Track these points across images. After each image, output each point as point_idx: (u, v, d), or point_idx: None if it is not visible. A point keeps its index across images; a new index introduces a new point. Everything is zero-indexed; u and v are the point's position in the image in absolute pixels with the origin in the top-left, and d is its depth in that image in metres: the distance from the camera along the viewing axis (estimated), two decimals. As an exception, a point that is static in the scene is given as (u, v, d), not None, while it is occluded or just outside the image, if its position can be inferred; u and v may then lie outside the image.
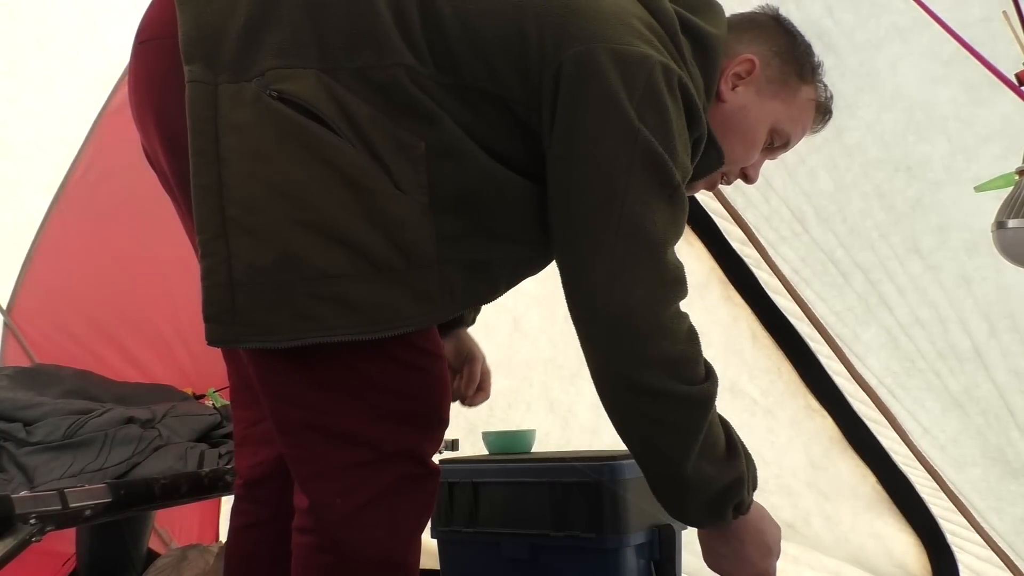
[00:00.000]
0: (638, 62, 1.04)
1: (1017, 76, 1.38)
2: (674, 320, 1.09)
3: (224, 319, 0.99)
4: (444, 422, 1.17)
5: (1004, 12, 1.40)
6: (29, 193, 2.79)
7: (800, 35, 1.28)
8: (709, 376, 1.11)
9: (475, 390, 1.48)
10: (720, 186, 1.36)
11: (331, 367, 1.06)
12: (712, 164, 1.22)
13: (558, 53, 1.05)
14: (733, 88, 1.23)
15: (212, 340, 1.00)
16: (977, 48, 1.47)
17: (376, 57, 1.02)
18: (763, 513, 1.21)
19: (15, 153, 2.69)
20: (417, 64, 1.03)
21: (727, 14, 1.26)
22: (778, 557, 1.23)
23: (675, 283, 1.09)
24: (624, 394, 1.08)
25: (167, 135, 1.08)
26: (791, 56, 1.25)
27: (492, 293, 1.17)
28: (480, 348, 1.48)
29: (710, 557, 1.24)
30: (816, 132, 1.34)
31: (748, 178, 1.31)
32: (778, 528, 1.23)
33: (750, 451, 1.17)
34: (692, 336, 1.11)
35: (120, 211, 2.69)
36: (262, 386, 1.12)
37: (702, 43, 1.16)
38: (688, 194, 1.32)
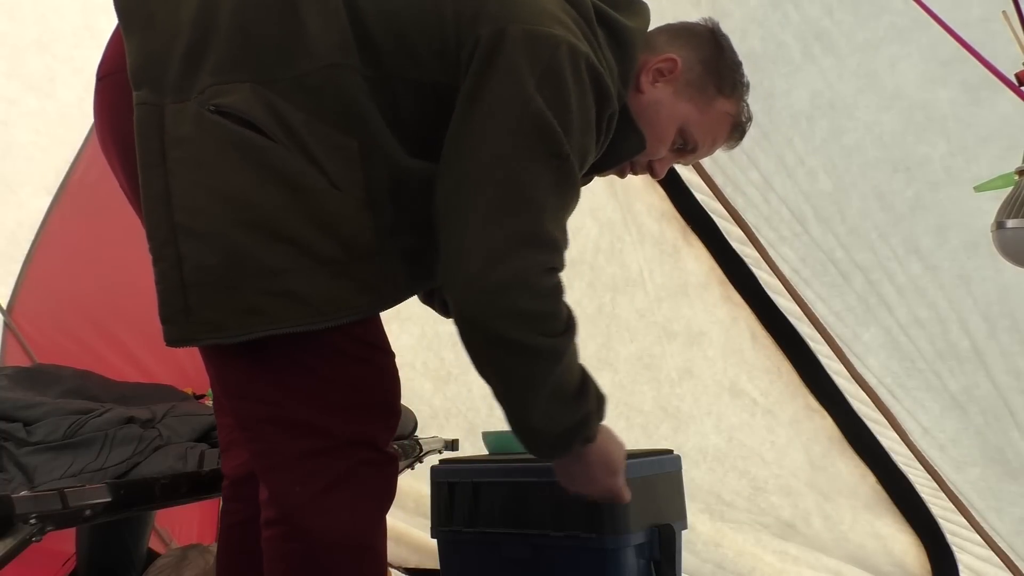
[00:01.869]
0: (544, 40, 1.10)
1: (1017, 76, 1.39)
2: (538, 276, 1.10)
3: (179, 319, 1.05)
4: (395, 413, 1.22)
5: (1004, 12, 1.40)
6: (29, 193, 2.79)
7: (731, 51, 1.34)
8: (567, 329, 1.15)
9: None
10: (720, 181, 1.38)
11: (281, 362, 1.11)
12: (633, 148, 1.28)
13: (475, 29, 1.10)
14: (653, 83, 1.28)
15: (169, 340, 1.07)
16: (977, 48, 1.47)
17: (309, 63, 1.08)
18: (608, 435, 1.27)
19: (15, 153, 2.69)
20: (345, 60, 1.09)
21: (707, 16, 1.34)
22: (623, 472, 1.31)
23: (546, 246, 1.12)
24: (478, 339, 1.12)
25: (124, 158, 1.14)
26: (714, 67, 1.31)
27: (431, 279, 1.20)
28: None
29: (563, 478, 1.31)
30: (730, 148, 1.39)
31: (654, 172, 1.36)
32: (622, 446, 1.31)
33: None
34: (555, 293, 1.13)
35: (120, 211, 2.66)
36: (220, 385, 1.20)
37: (617, 34, 1.22)
38: (601, 176, 1.38)
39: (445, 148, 1.12)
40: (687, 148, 1.33)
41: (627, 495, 1.32)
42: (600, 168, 1.30)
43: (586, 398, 1.19)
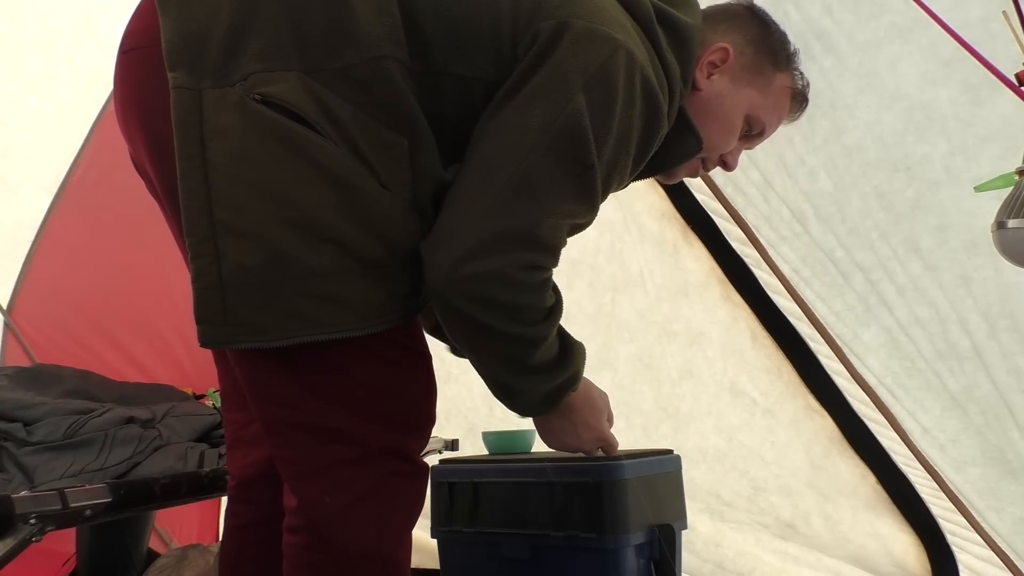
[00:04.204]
0: (603, 40, 1.05)
1: (1017, 76, 1.38)
2: (518, 271, 1.06)
3: (216, 320, 1.00)
4: (431, 419, 1.18)
5: (1004, 12, 1.40)
6: (29, 193, 2.79)
7: (774, 24, 1.29)
8: (548, 317, 1.11)
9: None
10: (720, 181, 1.37)
11: (316, 366, 1.07)
12: (691, 150, 1.23)
13: (533, 23, 1.07)
14: (708, 76, 1.24)
15: (204, 342, 1.02)
16: (977, 48, 1.47)
17: (356, 55, 1.03)
18: (589, 384, 1.25)
19: (15, 153, 2.69)
20: (394, 53, 1.04)
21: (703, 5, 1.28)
22: (610, 418, 1.28)
23: (536, 247, 1.07)
24: (449, 315, 1.08)
25: (153, 142, 1.09)
26: (765, 44, 1.26)
27: None
28: None
29: (549, 437, 1.28)
30: (794, 120, 1.35)
31: (727, 165, 1.32)
32: (604, 394, 1.28)
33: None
34: (535, 286, 1.09)
35: (120, 211, 2.68)
36: (249, 387, 1.13)
37: (678, 33, 1.18)
38: (670, 181, 1.36)
39: (476, 128, 1.08)
40: (755, 133, 1.29)
41: (616, 442, 1.28)
42: (653, 171, 1.26)
43: (569, 361, 1.16)
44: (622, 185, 1.16)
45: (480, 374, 1.16)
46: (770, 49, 1.27)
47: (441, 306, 1.08)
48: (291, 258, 1.00)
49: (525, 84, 1.05)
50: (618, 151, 1.09)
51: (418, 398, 1.16)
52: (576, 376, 1.18)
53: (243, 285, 1.00)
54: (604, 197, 1.12)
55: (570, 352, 1.17)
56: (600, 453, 1.31)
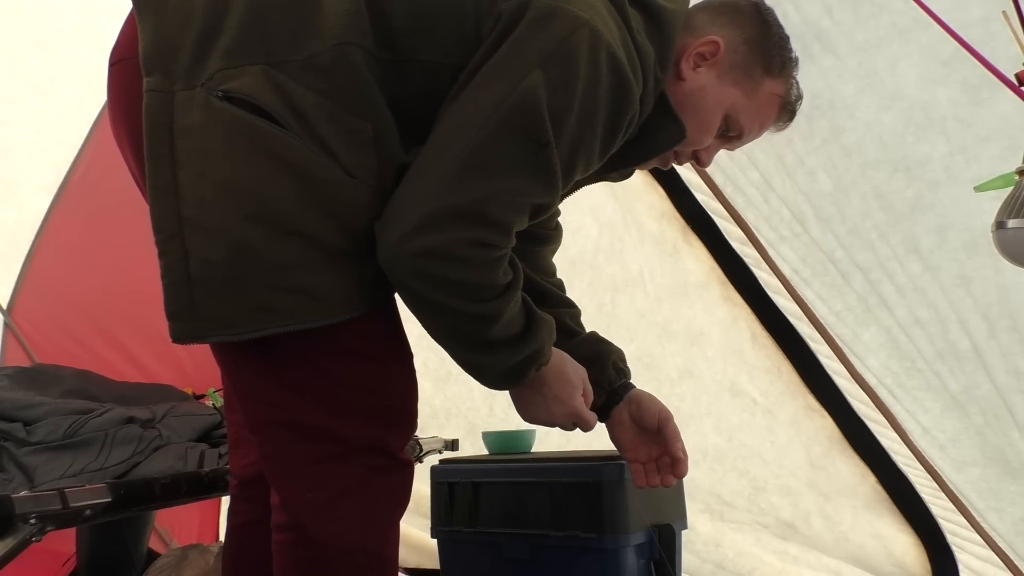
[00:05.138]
0: (565, 18, 1.04)
1: (1017, 76, 1.38)
2: (464, 248, 1.04)
3: (185, 315, 1.02)
4: (412, 415, 1.18)
5: (1004, 12, 1.40)
6: (29, 193, 2.79)
7: (777, 26, 1.25)
8: (503, 294, 1.09)
9: (681, 451, 1.32)
10: (719, 181, 1.35)
11: (294, 364, 1.08)
12: (672, 138, 1.20)
13: (496, 5, 1.07)
14: (695, 68, 1.21)
15: (176, 337, 1.03)
16: (977, 48, 1.47)
17: (320, 44, 1.04)
18: (562, 358, 1.22)
19: (15, 153, 2.70)
20: (360, 40, 1.05)
21: None
22: (587, 393, 1.24)
23: (486, 225, 1.04)
24: (399, 287, 1.08)
25: (136, 147, 1.10)
26: (761, 46, 1.22)
27: None
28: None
29: (523, 409, 1.24)
30: (779, 130, 1.31)
31: (700, 161, 1.29)
32: (580, 368, 1.24)
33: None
34: (484, 263, 1.06)
35: (120, 211, 2.68)
36: (232, 386, 1.16)
37: (654, 17, 1.16)
38: (642, 168, 1.31)
39: (441, 111, 1.08)
40: (732, 135, 1.25)
41: (591, 418, 1.24)
42: (635, 160, 1.24)
43: (532, 336, 1.14)
44: (591, 168, 1.13)
45: (443, 347, 1.14)
46: (765, 52, 1.22)
47: (394, 283, 1.08)
48: (256, 251, 1.01)
49: (486, 62, 1.05)
50: (582, 130, 1.06)
51: (398, 394, 1.16)
52: (539, 351, 1.15)
53: (210, 280, 1.01)
54: (568, 178, 1.10)
55: (534, 327, 1.14)
56: (576, 430, 1.26)
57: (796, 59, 1.26)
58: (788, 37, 1.26)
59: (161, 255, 1.02)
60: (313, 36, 1.04)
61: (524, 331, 1.13)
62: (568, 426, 1.25)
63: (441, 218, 1.02)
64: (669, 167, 1.34)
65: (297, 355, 1.07)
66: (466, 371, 1.16)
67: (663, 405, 1.33)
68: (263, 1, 1.06)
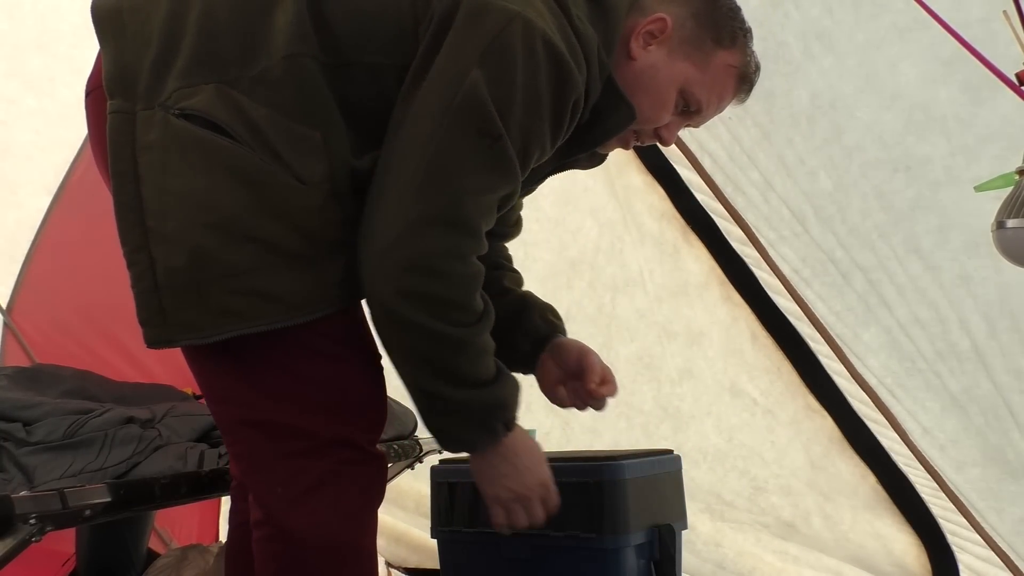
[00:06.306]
0: (496, 13, 1.06)
1: (1017, 76, 1.38)
2: (444, 260, 1.06)
3: (156, 321, 1.08)
4: (378, 411, 1.21)
5: (1004, 12, 1.40)
6: (29, 193, 2.79)
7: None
8: (478, 321, 1.10)
9: (598, 381, 1.36)
10: (720, 180, 1.35)
11: (259, 364, 1.12)
12: (623, 120, 1.21)
13: (431, 4, 1.09)
14: (645, 47, 1.22)
15: (149, 342, 1.09)
16: (977, 48, 1.47)
17: (269, 59, 1.09)
18: (524, 431, 1.22)
19: (15, 153, 2.69)
20: (303, 49, 1.08)
21: None
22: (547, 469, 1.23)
23: (459, 230, 1.07)
24: (380, 317, 1.10)
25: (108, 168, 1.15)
26: (708, 19, 1.23)
27: None
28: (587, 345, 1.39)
29: (490, 485, 1.22)
30: (740, 103, 1.31)
31: (662, 140, 1.30)
32: (538, 445, 1.25)
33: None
34: (464, 281, 1.09)
35: (120, 211, 2.68)
36: (202, 388, 1.21)
37: (598, 2, 1.17)
38: (603, 151, 1.32)
39: (392, 116, 1.11)
40: (692, 110, 1.26)
41: (556, 495, 1.24)
42: (592, 144, 1.25)
43: (501, 385, 1.14)
44: (546, 154, 1.15)
45: (411, 393, 1.14)
46: (714, 24, 1.23)
47: (373, 308, 1.10)
48: (214, 258, 1.06)
49: (427, 67, 1.08)
50: (530, 119, 1.08)
51: (365, 392, 1.19)
52: (507, 405, 1.15)
53: (175, 286, 1.07)
54: (526, 167, 1.12)
55: (503, 377, 1.15)
56: (539, 506, 1.23)
57: (749, 30, 1.27)
58: (739, 8, 1.27)
59: (130, 266, 1.09)
60: (262, 52, 1.09)
61: (494, 377, 1.14)
62: (536, 499, 1.22)
63: (417, 227, 1.05)
64: (630, 148, 1.34)
65: (263, 356, 1.11)
66: (432, 423, 1.15)
67: (584, 345, 1.36)
68: (216, 24, 1.10)
